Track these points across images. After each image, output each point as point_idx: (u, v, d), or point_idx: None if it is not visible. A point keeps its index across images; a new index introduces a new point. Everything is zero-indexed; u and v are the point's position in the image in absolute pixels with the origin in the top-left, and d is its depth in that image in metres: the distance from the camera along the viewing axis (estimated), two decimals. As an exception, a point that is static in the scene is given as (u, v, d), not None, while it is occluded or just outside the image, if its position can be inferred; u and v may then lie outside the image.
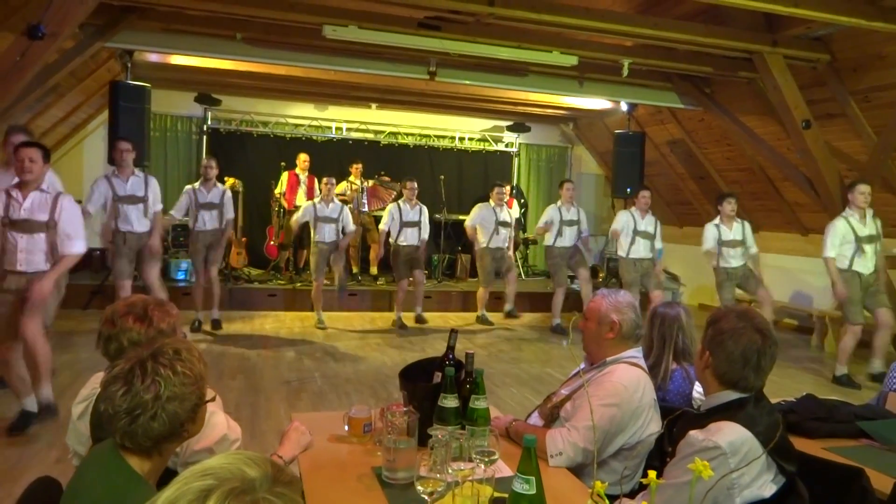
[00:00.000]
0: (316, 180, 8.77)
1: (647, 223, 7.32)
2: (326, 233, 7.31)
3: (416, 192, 7.70)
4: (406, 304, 7.81)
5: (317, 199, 7.44)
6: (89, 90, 7.90)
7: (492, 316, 8.19)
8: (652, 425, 2.12)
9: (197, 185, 6.84)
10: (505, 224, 7.93)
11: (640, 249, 7.27)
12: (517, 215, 10.12)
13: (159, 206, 5.99)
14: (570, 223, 7.79)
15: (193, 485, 0.85)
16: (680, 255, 9.82)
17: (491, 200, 7.94)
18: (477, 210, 8.00)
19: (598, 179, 11.87)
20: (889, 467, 2.10)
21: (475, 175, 10.79)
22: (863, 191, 5.78)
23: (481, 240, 7.92)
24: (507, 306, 8.34)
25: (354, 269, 9.17)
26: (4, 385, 4.73)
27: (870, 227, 5.83)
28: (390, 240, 7.63)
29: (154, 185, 5.91)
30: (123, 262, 5.77)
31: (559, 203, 7.85)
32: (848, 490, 1.82)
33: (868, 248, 5.79)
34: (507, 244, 8.02)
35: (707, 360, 1.80)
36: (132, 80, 6.97)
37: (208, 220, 6.76)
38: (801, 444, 2.00)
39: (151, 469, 1.43)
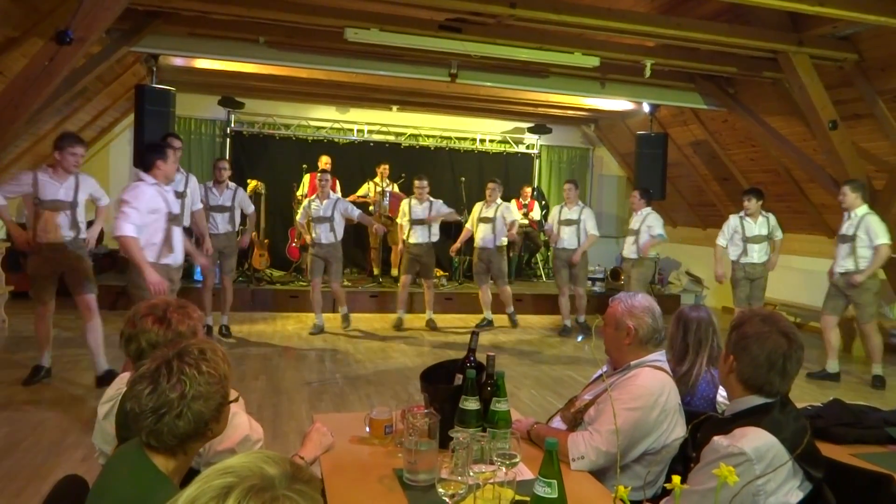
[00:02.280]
0: (338, 182, 8.81)
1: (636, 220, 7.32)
2: (322, 234, 7.00)
3: (426, 189, 7.46)
4: (419, 307, 7.77)
5: (312, 198, 7.19)
6: (115, 94, 8.03)
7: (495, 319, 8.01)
8: (677, 430, 2.09)
9: (210, 184, 6.72)
10: (484, 220, 7.57)
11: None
12: (538, 217, 10.09)
13: (199, 206, 6.11)
14: (568, 223, 7.53)
15: (214, 482, 0.86)
16: (703, 257, 9.72)
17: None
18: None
19: (620, 181, 11.79)
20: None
21: (496, 177, 10.71)
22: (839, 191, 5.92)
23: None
24: (508, 309, 7.97)
25: (375, 271, 9.20)
26: (35, 378, 4.86)
27: (850, 226, 5.79)
28: (402, 236, 7.57)
29: (193, 181, 6.04)
30: None
31: (563, 203, 7.77)
32: (876, 497, 1.79)
33: (843, 247, 5.81)
34: (492, 245, 7.52)
35: (731, 365, 1.77)
36: (157, 83, 7.05)
37: (220, 223, 6.61)
38: (829, 450, 1.96)
39: (176, 468, 1.45)
